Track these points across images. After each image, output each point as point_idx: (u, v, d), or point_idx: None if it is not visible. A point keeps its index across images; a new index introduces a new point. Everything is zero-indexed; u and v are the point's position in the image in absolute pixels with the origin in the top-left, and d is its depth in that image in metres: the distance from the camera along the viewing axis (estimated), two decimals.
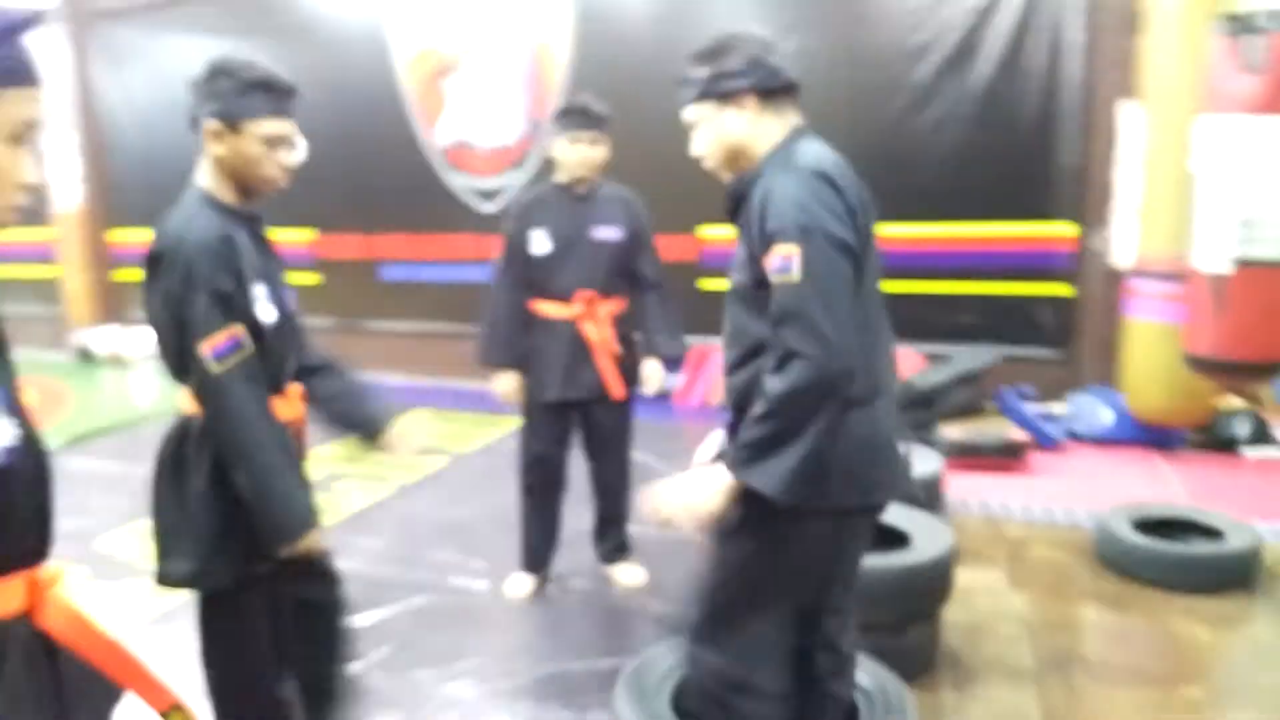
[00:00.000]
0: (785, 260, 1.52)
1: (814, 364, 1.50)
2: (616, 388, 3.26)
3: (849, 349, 1.51)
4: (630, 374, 3.35)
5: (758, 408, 1.55)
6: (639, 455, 4.69)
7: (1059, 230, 5.52)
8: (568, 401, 3.27)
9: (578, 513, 3.51)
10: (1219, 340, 3.44)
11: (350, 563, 3.67)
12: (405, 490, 4.66)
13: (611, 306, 3.29)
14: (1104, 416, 4.93)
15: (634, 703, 1.90)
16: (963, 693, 2.66)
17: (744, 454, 1.57)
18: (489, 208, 6.92)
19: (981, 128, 5.54)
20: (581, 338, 3.22)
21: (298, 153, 1.91)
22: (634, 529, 3.56)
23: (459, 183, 7.09)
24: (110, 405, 6.82)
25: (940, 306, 5.78)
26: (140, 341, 8.16)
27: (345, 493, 4.59)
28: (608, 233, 3.24)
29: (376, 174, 7.30)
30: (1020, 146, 5.49)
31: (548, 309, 3.25)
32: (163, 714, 1.37)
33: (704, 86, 1.69)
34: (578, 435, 3.40)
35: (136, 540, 3.96)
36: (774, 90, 1.67)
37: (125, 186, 8.42)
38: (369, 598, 3.35)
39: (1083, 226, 5.46)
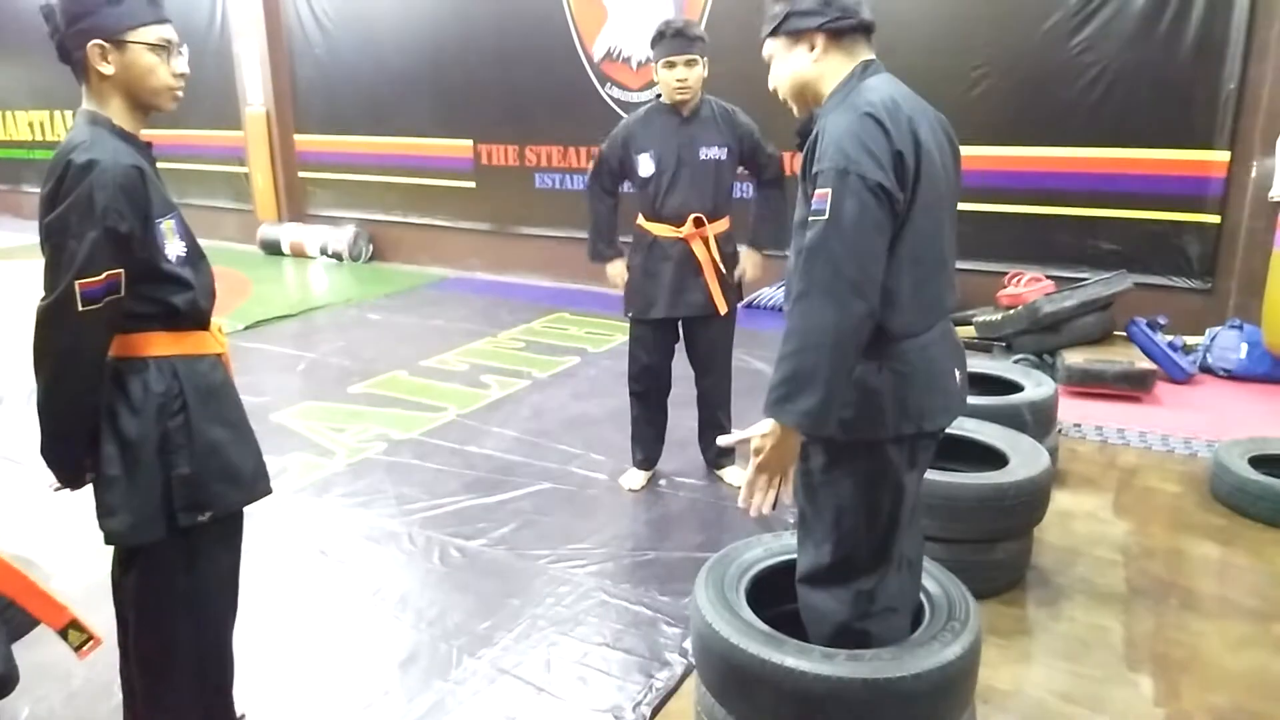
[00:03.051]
0: (822, 200, 1.58)
1: (833, 303, 1.55)
2: (721, 305, 3.40)
3: (869, 292, 1.56)
4: (734, 289, 3.48)
5: (784, 344, 1.61)
6: (754, 363, 4.85)
7: (1212, 156, 5.14)
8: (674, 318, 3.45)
9: (692, 414, 3.71)
10: None
11: (484, 447, 4.08)
12: (539, 384, 4.99)
13: (720, 226, 3.39)
14: (1240, 351, 4.66)
15: (712, 590, 2.01)
16: (1047, 610, 2.71)
17: (775, 394, 1.60)
18: None
19: (1135, 49, 5.18)
20: (690, 257, 3.34)
21: (182, 60, 1.77)
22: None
23: (610, 95, 7.19)
24: (288, 295, 7.46)
25: (1077, 231, 5.52)
26: (317, 237, 8.81)
27: (486, 384, 4.98)
28: (713, 152, 3.31)
29: (534, 86, 7.48)
30: (1178, 69, 5.11)
31: (657, 229, 3.38)
32: (59, 631, 1.46)
33: (777, 24, 1.73)
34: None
35: (306, 417, 4.48)
36: (844, 30, 1.70)
37: (310, 94, 8.97)
38: (499, 480, 3.72)
39: (1238, 155, 5.07)
